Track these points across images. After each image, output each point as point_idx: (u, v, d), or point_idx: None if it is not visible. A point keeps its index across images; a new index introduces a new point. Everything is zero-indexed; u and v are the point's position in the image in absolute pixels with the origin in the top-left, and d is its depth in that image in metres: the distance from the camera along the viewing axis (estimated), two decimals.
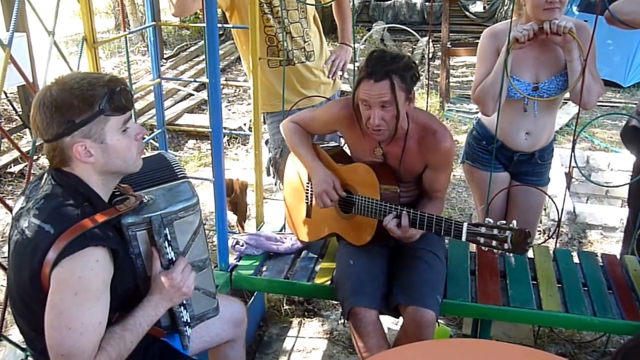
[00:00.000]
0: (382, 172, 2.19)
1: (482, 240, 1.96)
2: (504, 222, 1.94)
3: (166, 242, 1.55)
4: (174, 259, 1.58)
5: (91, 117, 1.42)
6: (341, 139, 3.04)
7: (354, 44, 3.00)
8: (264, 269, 2.51)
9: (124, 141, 1.49)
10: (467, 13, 10.89)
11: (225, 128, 4.89)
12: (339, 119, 2.26)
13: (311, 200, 2.43)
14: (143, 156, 1.73)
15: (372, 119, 2.03)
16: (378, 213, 2.14)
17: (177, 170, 1.72)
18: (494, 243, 1.94)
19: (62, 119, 1.40)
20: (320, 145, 2.46)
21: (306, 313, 3.03)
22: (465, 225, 1.98)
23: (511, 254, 1.93)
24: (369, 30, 9.60)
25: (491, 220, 1.96)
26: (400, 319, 2.11)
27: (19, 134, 5.33)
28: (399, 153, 2.18)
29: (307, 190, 2.44)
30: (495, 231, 1.94)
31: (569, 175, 3.22)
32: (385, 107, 2.01)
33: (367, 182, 2.19)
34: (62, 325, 1.38)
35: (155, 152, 1.89)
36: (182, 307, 1.67)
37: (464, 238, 1.99)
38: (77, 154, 1.44)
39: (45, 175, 1.52)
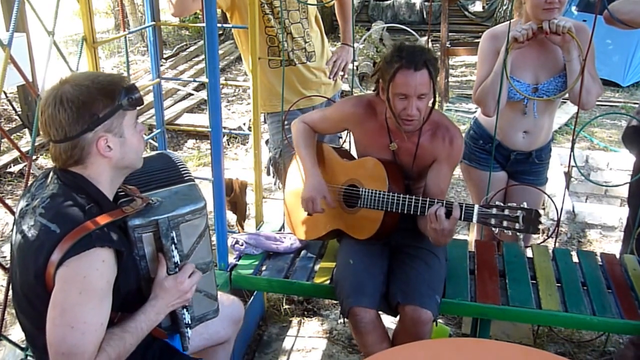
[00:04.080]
0: (390, 167, 2.21)
1: (493, 221, 2.00)
2: (514, 204, 1.99)
3: (173, 245, 1.55)
4: (178, 262, 1.58)
5: (112, 111, 1.45)
6: (340, 139, 3.06)
7: (352, 43, 3.01)
8: (264, 268, 2.51)
9: (137, 135, 1.53)
10: (466, 13, 10.90)
11: (224, 128, 4.89)
12: (351, 116, 2.28)
13: None
14: (147, 155, 1.74)
15: (410, 109, 2.03)
16: (385, 204, 2.15)
17: (183, 172, 1.72)
18: (505, 223, 1.98)
19: (87, 114, 1.42)
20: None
21: (305, 312, 3.03)
22: (476, 207, 2.02)
23: (522, 235, 1.96)
24: (368, 29, 9.60)
25: (501, 203, 2.01)
26: (399, 317, 2.12)
27: (18, 133, 5.33)
28: (413, 148, 2.20)
29: None
30: (507, 212, 1.97)
31: (568, 175, 3.23)
32: (421, 98, 2.03)
33: (375, 175, 2.21)
34: (65, 324, 1.38)
35: (158, 152, 1.89)
36: (184, 309, 1.67)
37: (474, 220, 2.01)
38: (100, 149, 1.45)
39: (51, 174, 1.52)
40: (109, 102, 1.44)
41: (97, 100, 1.43)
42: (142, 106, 1.53)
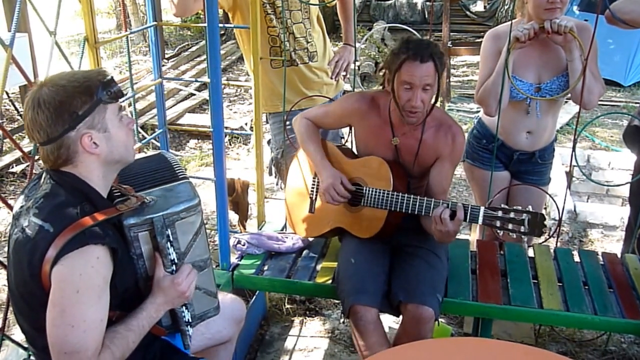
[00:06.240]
0: (394, 166, 2.22)
1: (498, 223, 2.01)
2: (519, 207, 1.99)
3: (168, 243, 1.56)
4: (175, 259, 1.59)
5: (92, 107, 1.44)
6: (342, 139, 3.06)
7: (354, 43, 3.01)
8: (266, 268, 2.51)
9: (123, 128, 1.52)
10: (467, 12, 10.90)
11: (226, 128, 4.90)
12: (354, 111, 2.29)
13: (316, 195, 2.44)
14: (143, 155, 1.74)
15: (414, 100, 2.05)
16: (389, 203, 2.15)
17: (177, 171, 1.72)
18: (510, 226, 1.99)
19: (66, 113, 1.42)
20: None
21: (307, 312, 3.03)
22: (482, 209, 2.02)
23: (526, 237, 1.96)
24: (369, 29, 9.60)
25: (507, 206, 2.01)
26: (401, 317, 2.12)
27: (20, 134, 5.34)
28: (415, 145, 2.20)
29: (313, 185, 2.44)
30: (512, 214, 1.98)
31: (569, 174, 3.22)
32: (426, 89, 2.05)
33: (379, 174, 2.21)
34: (65, 323, 1.38)
35: (155, 152, 1.89)
36: (183, 307, 1.68)
37: (480, 221, 2.02)
38: (85, 147, 1.45)
39: (44, 174, 1.53)
40: (87, 99, 1.43)
41: (74, 98, 1.42)
42: (121, 98, 1.52)
